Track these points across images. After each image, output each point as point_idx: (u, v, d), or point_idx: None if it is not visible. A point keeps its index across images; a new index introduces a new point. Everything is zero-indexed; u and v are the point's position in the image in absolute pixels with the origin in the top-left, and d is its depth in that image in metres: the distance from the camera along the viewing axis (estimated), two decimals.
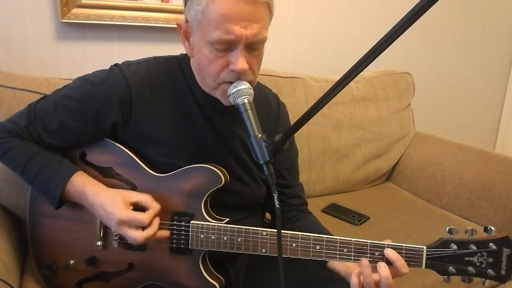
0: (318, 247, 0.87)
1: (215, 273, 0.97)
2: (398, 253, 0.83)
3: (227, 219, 0.93)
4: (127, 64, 0.96)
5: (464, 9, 2.35)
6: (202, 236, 0.91)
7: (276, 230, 0.86)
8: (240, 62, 0.82)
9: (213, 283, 0.93)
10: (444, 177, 1.72)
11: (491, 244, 0.81)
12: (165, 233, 0.91)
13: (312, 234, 0.87)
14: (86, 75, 0.97)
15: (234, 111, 0.84)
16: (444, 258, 0.83)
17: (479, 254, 0.82)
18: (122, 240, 0.94)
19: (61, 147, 0.97)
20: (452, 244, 0.83)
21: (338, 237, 0.86)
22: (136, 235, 0.85)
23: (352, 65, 0.62)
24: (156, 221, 0.88)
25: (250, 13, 0.80)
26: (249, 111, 0.81)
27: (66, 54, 1.52)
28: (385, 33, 0.56)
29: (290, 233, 0.87)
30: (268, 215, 1.19)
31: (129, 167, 0.95)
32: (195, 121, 0.97)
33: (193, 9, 0.83)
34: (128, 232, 0.86)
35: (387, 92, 1.91)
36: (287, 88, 1.65)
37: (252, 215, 1.08)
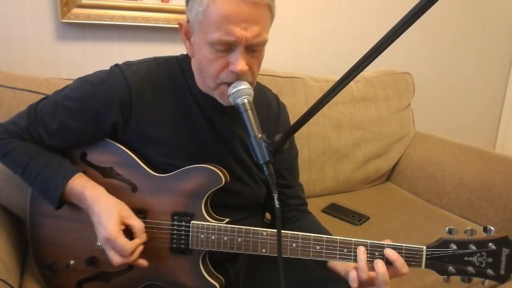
0: (318, 247, 0.87)
1: (215, 273, 0.97)
2: (398, 253, 0.83)
3: (227, 219, 0.93)
4: (128, 64, 0.96)
5: (464, 9, 2.35)
6: (202, 236, 0.91)
7: (276, 230, 0.86)
8: (240, 63, 0.82)
9: (213, 283, 0.93)
10: (444, 177, 1.72)
11: (490, 244, 0.81)
12: (144, 263, 0.90)
13: (312, 234, 0.87)
14: (86, 75, 0.97)
15: (234, 111, 0.84)
16: (443, 258, 0.83)
17: (478, 254, 0.82)
18: None
19: (62, 147, 0.97)
20: (452, 244, 0.83)
21: (338, 237, 0.86)
22: (114, 258, 0.85)
23: (352, 65, 0.62)
24: (138, 251, 0.87)
25: (250, 14, 0.80)
26: (249, 111, 0.81)
27: (66, 54, 1.52)
28: (385, 33, 0.56)
29: (290, 233, 0.87)
30: (268, 215, 1.20)
31: (130, 167, 0.95)
32: (195, 121, 0.97)
33: (194, 9, 0.83)
34: (109, 252, 0.86)
35: (387, 92, 1.91)
36: (287, 88, 1.65)
37: (252, 215, 1.08)
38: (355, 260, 0.85)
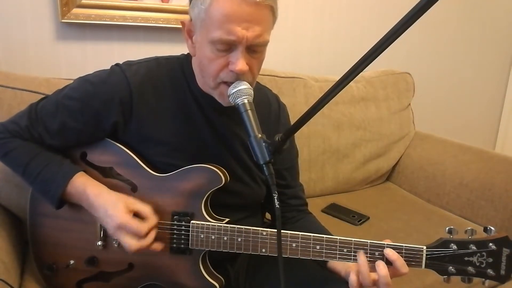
0: (318, 247, 0.87)
1: (215, 273, 0.97)
2: (398, 253, 0.83)
3: (227, 219, 0.93)
4: (128, 64, 0.96)
5: (464, 9, 2.35)
6: (202, 236, 0.91)
7: (276, 230, 0.86)
8: (240, 63, 0.82)
9: (213, 283, 0.93)
10: (444, 177, 1.72)
11: (490, 244, 0.81)
12: (159, 246, 0.90)
13: (312, 234, 0.87)
14: (87, 75, 0.97)
15: (234, 111, 0.84)
16: (444, 258, 0.83)
17: (478, 254, 0.82)
18: None
19: (62, 147, 0.97)
20: (452, 244, 0.83)
21: (338, 237, 0.86)
22: (131, 243, 0.85)
23: (352, 65, 0.62)
24: (153, 234, 0.88)
25: (252, 15, 0.80)
26: (249, 111, 0.81)
27: (66, 54, 1.52)
28: (385, 33, 0.56)
29: (290, 233, 0.87)
30: (268, 215, 1.20)
31: (130, 167, 0.95)
32: (195, 121, 0.97)
33: (197, 7, 0.83)
34: (124, 238, 0.85)
35: (387, 92, 1.91)
36: (287, 88, 1.65)
37: (252, 215, 1.08)
38: (355, 260, 0.85)
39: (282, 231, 0.84)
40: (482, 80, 2.57)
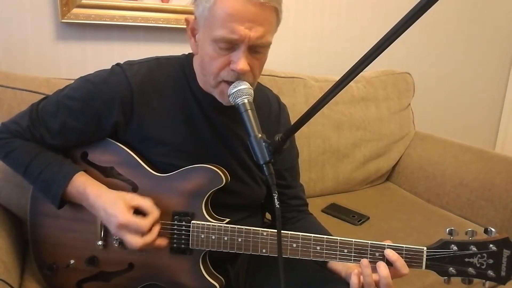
0: (318, 247, 0.87)
1: (215, 273, 0.97)
2: (399, 253, 0.83)
3: (228, 219, 0.93)
4: (129, 64, 0.96)
5: (464, 9, 2.35)
6: (202, 236, 0.91)
7: (276, 230, 0.86)
8: (241, 62, 0.82)
9: (213, 283, 0.93)
10: (444, 177, 1.72)
11: (491, 245, 0.81)
12: (163, 241, 0.90)
13: (312, 235, 0.87)
14: (87, 75, 0.97)
15: (234, 111, 0.84)
16: (444, 259, 0.83)
17: (479, 255, 0.82)
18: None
19: (63, 147, 0.97)
20: (452, 245, 0.83)
21: (338, 238, 0.86)
22: (134, 241, 0.85)
23: (352, 65, 0.62)
24: (156, 229, 0.87)
25: (256, 15, 0.80)
26: (249, 111, 0.81)
27: (66, 54, 1.52)
28: (385, 33, 0.55)
29: (291, 234, 0.87)
30: (268, 216, 1.19)
31: (130, 167, 0.95)
32: (195, 121, 0.97)
33: (201, 5, 0.83)
34: (127, 236, 0.85)
35: (387, 92, 1.91)
36: (287, 88, 1.64)
37: (252, 215, 1.08)
38: (356, 261, 0.85)
39: (282, 231, 0.84)
40: (482, 80, 2.57)
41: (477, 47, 2.47)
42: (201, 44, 0.88)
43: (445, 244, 0.83)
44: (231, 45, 0.82)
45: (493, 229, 0.82)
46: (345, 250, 0.86)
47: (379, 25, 2.06)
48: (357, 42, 2.05)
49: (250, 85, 0.85)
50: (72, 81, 0.99)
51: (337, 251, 0.86)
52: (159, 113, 0.95)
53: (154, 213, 0.88)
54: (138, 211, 0.88)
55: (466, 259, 0.82)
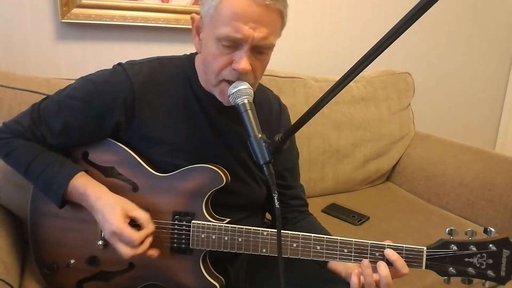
0: (318, 247, 0.87)
1: (215, 273, 0.97)
2: (398, 253, 0.83)
3: (228, 219, 0.93)
4: (131, 63, 0.96)
5: (464, 9, 2.35)
6: (203, 236, 0.91)
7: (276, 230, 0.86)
8: (243, 62, 0.82)
9: (213, 283, 0.93)
10: (444, 177, 1.72)
11: (491, 245, 0.81)
12: (155, 252, 0.90)
13: (312, 235, 0.87)
14: (89, 74, 0.97)
15: (235, 111, 0.84)
16: (444, 259, 0.83)
17: (479, 255, 0.82)
18: None
19: (64, 146, 0.97)
20: (452, 245, 0.83)
21: (339, 238, 0.86)
22: (124, 250, 0.85)
23: (352, 65, 0.62)
24: (147, 242, 0.87)
25: (261, 16, 0.80)
26: (249, 111, 0.81)
27: (66, 54, 1.52)
28: (385, 33, 0.56)
29: (291, 233, 0.87)
30: (268, 216, 1.19)
31: (131, 166, 0.95)
32: (197, 122, 0.97)
33: (207, 3, 0.84)
34: (118, 245, 0.85)
35: (387, 92, 1.91)
36: (287, 88, 1.65)
37: (253, 215, 1.08)
38: (356, 261, 0.85)
39: (282, 231, 0.85)
40: (482, 80, 2.57)
41: (477, 47, 2.47)
42: (205, 43, 0.88)
43: (445, 244, 0.83)
44: (234, 44, 0.82)
45: (492, 229, 0.82)
46: (345, 250, 0.86)
47: (379, 25, 2.06)
48: (357, 42, 2.05)
49: (251, 86, 0.85)
50: (73, 81, 0.99)
51: (337, 251, 0.86)
52: (160, 113, 0.95)
53: (149, 228, 0.88)
54: (134, 221, 0.88)
55: (466, 259, 0.82)
